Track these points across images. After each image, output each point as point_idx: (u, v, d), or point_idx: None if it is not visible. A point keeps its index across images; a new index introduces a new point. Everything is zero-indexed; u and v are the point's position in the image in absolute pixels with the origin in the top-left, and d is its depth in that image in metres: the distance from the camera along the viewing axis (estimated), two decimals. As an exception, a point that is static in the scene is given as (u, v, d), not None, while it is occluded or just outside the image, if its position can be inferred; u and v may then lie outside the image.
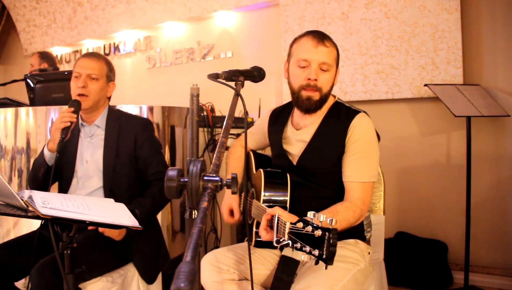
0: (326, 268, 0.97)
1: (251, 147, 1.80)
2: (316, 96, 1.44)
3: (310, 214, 1.04)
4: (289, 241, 1.06)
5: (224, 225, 2.98)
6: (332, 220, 0.99)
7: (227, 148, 1.80)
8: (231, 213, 1.59)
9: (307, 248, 1.00)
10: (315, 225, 1.00)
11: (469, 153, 2.41)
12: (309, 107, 1.46)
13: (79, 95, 1.72)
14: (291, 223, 1.07)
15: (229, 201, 1.59)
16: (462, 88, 2.53)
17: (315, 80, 1.43)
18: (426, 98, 2.82)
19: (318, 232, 0.98)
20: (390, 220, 2.61)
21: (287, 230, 1.08)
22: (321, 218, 1.00)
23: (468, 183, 2.41)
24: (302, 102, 1.46)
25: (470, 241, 2.42)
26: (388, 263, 1.73)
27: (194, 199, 0.75)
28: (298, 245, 1.02)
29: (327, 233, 0.96)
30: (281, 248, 1.46)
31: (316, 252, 0.97)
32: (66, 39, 4.75)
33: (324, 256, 0.96)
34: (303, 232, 1.02)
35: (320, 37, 1.45)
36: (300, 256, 1.03)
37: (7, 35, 5.52)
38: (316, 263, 0.99)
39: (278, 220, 1.16)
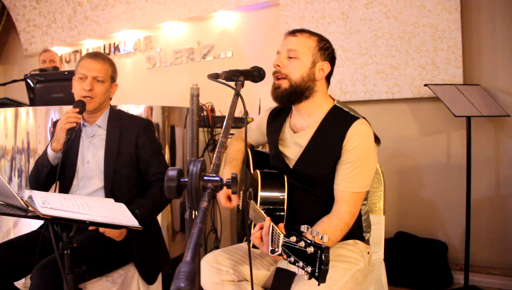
0: (318, 285, 0.98)
1: (250, 143, 1.79)
2: (284, 84, 1.43)
3: (303, 228, 1.04)
4: (283, 253, 1.07)
5: (224, 225, 2.98)
6: (323, 236, 0.98)
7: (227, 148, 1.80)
8: (229, 198, 1.57)
9: (300, 264, 1.00)
10: (308, 241, 1.00)
11: (469, 153, 2.41)
12: (277, 96, 1.45)
13: (85, 97, 1.72)
14: (284, 236, 1.08)
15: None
16: (462, 88, 2.53)
17: (278, 65, 1.44)
18: (426, 98, 2.82)
19: (311, 249, 0.98)
20: (390, 220, 2.61)
21: (280, 242, 1.08)
22: (314, 233, 1.00)
23: (468, 183, 2.41)
24: (272, 92, 1.47)
25: (470, 241, 2.42)
26: (388, 263, 1.72)
27: (194, 199, 0.75)
28: (292, 259, 1.03)
29: (319, 251, 0.97)
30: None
31: (309, 269, 0.98)
32: (66, 39, 4.76)
33: (316, 274, 0.97)
34: (296, 247, 1.02)
35: (293, 30, 1.47)
36: (295, 269, 1.03)
37: (7, 35, 5.52)
38: (309, 278, 0.99)
39: (272, 230, 1.16)
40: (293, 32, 1.46)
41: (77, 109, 1.68)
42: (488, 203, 2.69)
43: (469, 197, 2.41)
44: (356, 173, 1.37)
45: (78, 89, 1.74)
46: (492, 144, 2.69)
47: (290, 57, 1.43)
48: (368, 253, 1.50)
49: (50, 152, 1.71)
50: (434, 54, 2.76)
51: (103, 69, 1.75)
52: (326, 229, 1.32)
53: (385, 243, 1.71)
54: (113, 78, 1.82)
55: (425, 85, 2.56)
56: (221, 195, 1.57)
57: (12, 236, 2.31)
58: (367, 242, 1.54)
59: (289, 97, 1.44)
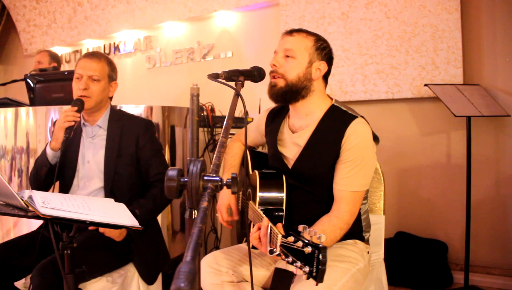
0: (316, 285, 0.97)
1: (249, 144, 1.79)
2: (280, 82, 1.43)
3: (300, 228, 1.03)
4: (282, 254, 1.07)
5: (224, 225, 2.97)
6: (321, 236, 0.98)
7: (227, 148, 1.79)
8: (229, 212, 1.58)
9: (298, 264, 1.00)
10: (305, 241, 1.00)
11: (469, 153, 2.41)
12: (273, 94, 1.45)
13: (81, 96, 1.72)
14: (282, 236, 1.07)
15: (226, 200, 1.59)
16: (462, 88, 2.53)
17: (274, 65, 1.44)
18: (426, 98, 2.82)
19: (308, 249, 0.98)
20: (390, 220, 2.60)
21: (278, 243, 1.08)
22: (312, 233, 1.00)
23: (468, 183, 2.41)
24: (269, 90, 1.47)
25: (470, 241, 2.42)
26: (388, 263, 1.72)
27: (194, 199, 0.75)
28: (290, 259, 1.03)
29: (316, 251, 0.96)
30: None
31: (307, 269, 0.98)
32: (66, 39, 4.76)
33: (314, 274, 0.97)
34: (294, 247, 1.02)
35: (290, 30, 1.47)
36: (293, 269, 1.03)
37: (7, 35, 5.52)
38: (307, 278, 0.99)
39: (271, 230, 1.16)
40: (290, 32, 1.46)
41: (75, 108, 1.68)
42: (488, 203, 2.69)
43: (469, 197, 2.41)
44: (355, 172, 1.37)
45: (75, 89, 1.74)
46: (492, 144, 2.69)
47: (287, 56, 1.43)
48: (368, 252, 1.50)
49: (49, 151, 1.71)
50: (434, 54, 2.76)
51: (99, 68, 1.75)
52: (326, 228, 1.32)
53: (385, 243, 1.71)
54: (111, 77, 1.81)
55: (425, 85, 2.56)
56: (222, 209, 1.59)
57: (12, 236, 2.31)
58: (366, 241, 1.54)
59: (285, 96, 1.44)
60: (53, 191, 1.76)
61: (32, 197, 1.27)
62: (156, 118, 2.45)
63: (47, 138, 2.32)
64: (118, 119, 1.84)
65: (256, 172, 1.51)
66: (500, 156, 2.67)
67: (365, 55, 3.00)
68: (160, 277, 1.84)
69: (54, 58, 3.62)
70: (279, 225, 1.22)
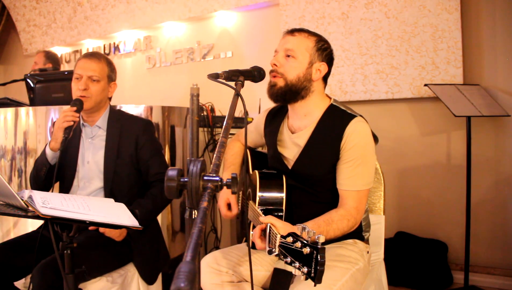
0: (315, 285, 0.97)
1: (248, 144, 1.79)
2: (280, 82, 1.43)
3: (299, 229, 1.03)
4: (280, 254, 1.06)
5: (224, 225, 2.98)
6: (319, 237, 0.98)
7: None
8: (229, 207, 1.57)
9: (297, 264, 1.00)
10: (304, 241, 1.00)
11: (469, 153, 2.41)
12: (272, 94, 1.45)
13: (80, 97, 1.72)
14: (281, 237, 1.07)
15: (226, 194, 1.58)
16: (462, 88, 2.53)
17: (275, 64, 1.44)
18: (426, 98, 2.82)
19: (307, 250, 0.98)
20: (390, 220, 2.61)
21: (277, 243, 1.08)
22: (310, 233, 1.00)
23: (468, 183, 2.41)
24: (268, 90, 1.46)
25: (470, 241, 2.42)
26: (388, 263, 1.72)
27: (194, 199, 0.75)
28: (288, 260, 1.02)
29: (315, 252, 0.96)
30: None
31: (305, 269, 0.98)
32: (66, 39, 4.76)
33: (312, 274, 0.96)
34: (293, 247, 1.01)
35: (292, 29, 1.47)
36: (292, 269, 1.03)
37: (7, 35, 5.52)
38: (306, 279, 0.99)
39: (270, 230, 1.16)
40: (292, 32, 1.46)
41: (75, 108, 1.68)
42: (488, 203, 2.69)
43: (469, 197, 2.41)
44: (358, 171, 1.38)
45: (75, 89, 1.74)
46: (492, 144, 2.69)
47: (288, 56, 1.43)
48: (368, 252, 1.50)
49: (48, 151, 1.71)
50: (434, 54, 2.76)
51: (98, 68, 1.75)
52: (333, 217, 1.33)
53: (385, 243, 1.71)
54: (110, 78, 1.81)
55: (425, 85, 2.56)
56: (222, 204, 1.57)
57: (12, 236, 2.31)
58: (366, 241, 1.54)
59: (285, 96, 1.44)
60: (52, 191, 1.76)
61: (32, 197, 1.27)
62: (156, 118, 2.45)
63: (47, 138, 2.32)
64: (118, 119, 1.84)
65: (256, 172, 1.51)
66: (500, 156, 2.67)
67: (365, 55, 3.00)
68: (160, 277, 1.84)
69: (50, 58, 3.61)
70: (279, 221, 1.22)
